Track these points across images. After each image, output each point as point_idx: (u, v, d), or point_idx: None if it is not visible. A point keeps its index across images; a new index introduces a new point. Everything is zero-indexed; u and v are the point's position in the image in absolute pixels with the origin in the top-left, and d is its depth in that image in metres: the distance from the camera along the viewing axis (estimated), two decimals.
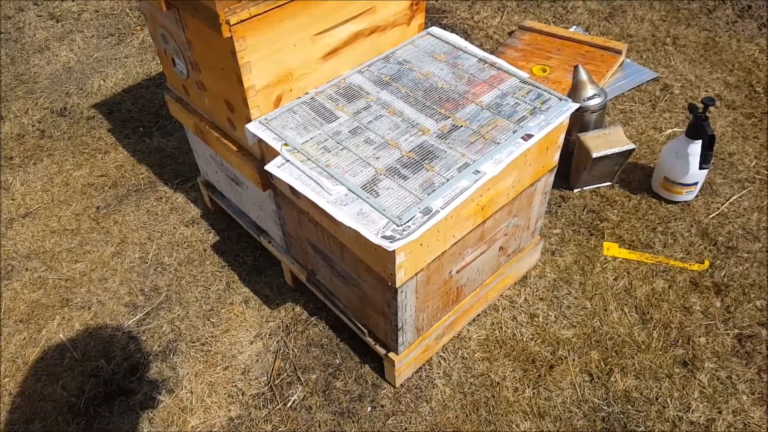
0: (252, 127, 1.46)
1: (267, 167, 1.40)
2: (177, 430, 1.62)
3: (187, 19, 1.45)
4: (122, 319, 1.88)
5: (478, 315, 1.82)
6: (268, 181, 1.60)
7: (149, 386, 1.71)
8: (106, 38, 3.11)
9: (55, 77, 2.88)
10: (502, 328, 1.79)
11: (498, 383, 1.67)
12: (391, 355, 1.59)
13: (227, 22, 1.26)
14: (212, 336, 1.82)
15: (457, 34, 2.65)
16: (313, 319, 1.85)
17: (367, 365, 1.73)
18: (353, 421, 1.61)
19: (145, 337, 1.83)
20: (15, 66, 2.97)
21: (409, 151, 1.39)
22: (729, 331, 1.75)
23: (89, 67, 2.93)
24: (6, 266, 2.06)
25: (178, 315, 1.88)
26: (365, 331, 1.64)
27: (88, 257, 2.07)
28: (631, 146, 2.00)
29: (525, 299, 1.86)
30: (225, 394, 1.69)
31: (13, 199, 2.30)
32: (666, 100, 2.50)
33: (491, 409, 1.62)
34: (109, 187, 2.32)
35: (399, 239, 1.20)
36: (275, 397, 1.68)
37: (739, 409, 1.59)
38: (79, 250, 2.10)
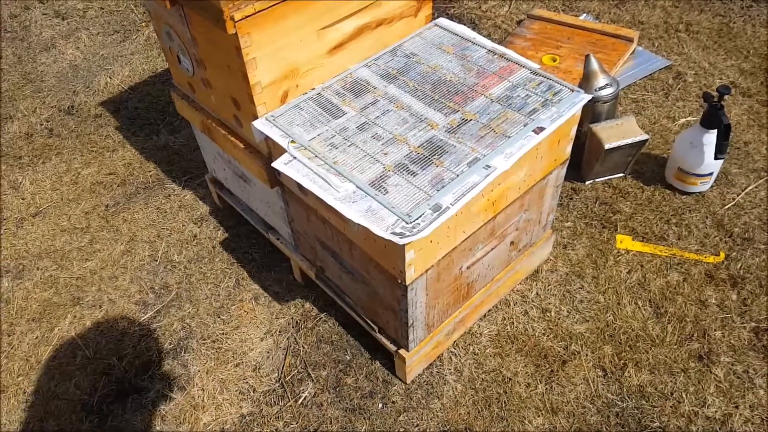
0: (258, 124, 1.45)
1: (274, 164, 1.39)
2: (189, 428, 1.62)
3: (192, 16, 1.43)
4: (133, 317, 1.89)
5: (489, 310, 1.80)
6: (276, 179, 1.58)
7: (161, 384, 1.72)
8: (111, 35, 3.11)
9: (61, 75, 2.88)
10: (513, 323, 1.77)
11: (510, 379, 1.65)
12: (402, 351, 1.58)
13: (232, 18, 1.24)
14: (223, 333, 1.82)
15: (465, 24, 2.62)
16: (322, 315, 1.84)
17: (377, 362, 1.72)
18: (364, 418, 1.61)
19: (156, 335, 1.83)
20: (22, 65, 2.97)
21: (418, 147, 1.37)
22: (745, 325, 1.72)
23: (95, 65, 2.93)
24: (17, 265, 2.06)
25: (189, 312, 1.88)
26: (375, 327, 1.63)
27: (99, 256, 2.07)
28: (644, 137, 1.97)
29: (537, 294, 1.84)
30: (236, 390, 1.69)
31: (23, 199, 2.31)
32: (679, 89, 2.46)
33: (503, 405, 1.60)
34: (118, 185, 2.32)
35: (409, 236, 1.18)
36: (286, 394, 1.67)
37: (757, 404, 1.56)
38: (90, 249, 2.10)
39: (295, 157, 1.38)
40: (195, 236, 2.10)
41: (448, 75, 1.54)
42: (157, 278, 1.99)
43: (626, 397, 1.60)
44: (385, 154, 1.36)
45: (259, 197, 1.82)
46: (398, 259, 1.27)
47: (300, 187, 1.45)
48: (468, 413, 1.60)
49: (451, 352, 1.72)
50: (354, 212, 1.25)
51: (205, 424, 1.63)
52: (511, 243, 1.66)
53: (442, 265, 1.42)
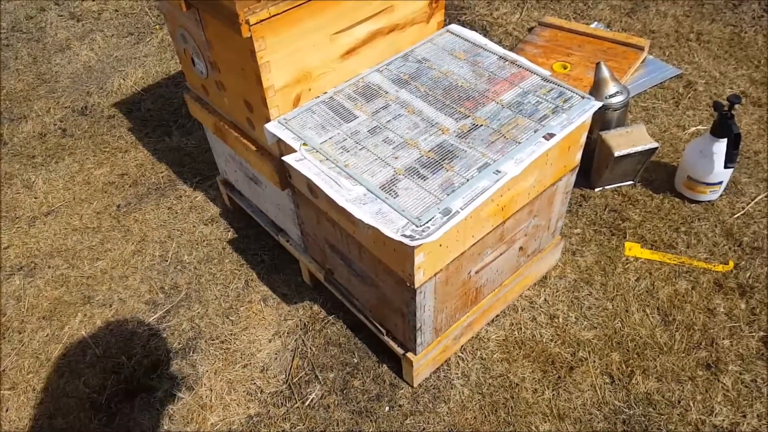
0: (271, 126, 1.47)
1: (285, 158, 1.40)
2: (197, 428, 1.63)
3: (207, 19, 1.45)
4: (143, 317, 1.90)
5: (497, 315, 1.80)
6: (287, 181, 1.60)
7: (169, 383, 1.73)
8: (125, 37, 3.14)
9: (76, 76, 2.92)
10: (521, 328, 1.77)
11: (517, 384, 1.65)
12: (409, 355, 1.59)
13: (247, 22, 1.26)
14: (231, 334, 1.83)
15: (476, 30, 2.62)
16: (331, 318, 1.85)
17: (384, 365, 1.72)
18: (371, 421, 1.61)
19: (165, 335, 1.85)
20: (37, 65, 3.01)
21: (429, 151, 1.38)
22: (754, 334, 1.71)
23: (109, 66, 2.96)
24: (29, 263, 2.09)
25: (198, 313, 1.90)
26: (383, 330, 1.64)
27: (109, 255, 2.09)
28: (654, 145, 1.97)
29: (545, 300, 1.84)
30: (244, 391, 1.70)
31: (35, 198, 2.33)
32: (689, 98, 2.46)
33: (510, 410, 1.60)
34: (130, 186, 2.34)
35: (419, 239, 1.19)
36: (293, 396, 1.68)
37: (764, 413, 1.55)
38: (101, 248, 2.12)
39: (306, 159, 1.39)
40: (205, 237, 2.12)
41: (459, 80, 1.55)
42: (167, 278, 2.00)
43: (633, 405, 1.59)
44: (396, 158, 1.37)
45: (270, 199, 1.84)
46: (407, 262, 1.28)
47: (310, 189, 1.46)
48: (475, 418, 1.60)
49: (459, 356, 1.72)
50: (364, 214, 1.25)
51: (212, 424, 1.64)
52: (520, 248, 1.67)
53: (451, 269, 1.42)
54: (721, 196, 2.06)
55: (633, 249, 1.95)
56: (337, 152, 1.39)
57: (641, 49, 2.57)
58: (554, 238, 1.83)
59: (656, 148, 1.98)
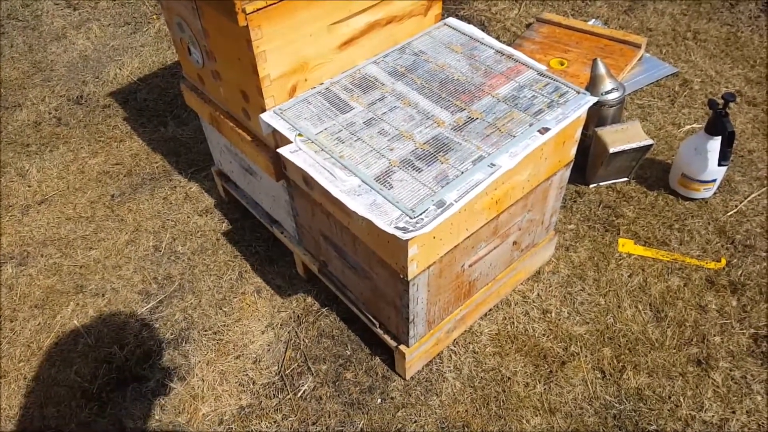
0: (266, 117, 1.46)
1: (280, 150, 1.40)
2: (188, 418, 1.63)
3: (204, 7, 1.45)
4: (135, 307, 1.90)
5: (490, 309, 1.81)
6: (282, 172, 1.59)
7: (161, 373, 1.73)
8: (122, 27, 3.13)
9: (71, 65, 2.90)
10: (514, 323, 1.78)
11: (509, 378, 1.66)
12: (402, 347, 1.59)
13: (243, 11, 1.26)
14: (224, 325, 1.83)
15: (474, 25, 2.63)
16: (324, 310, 1.85)
17: (377, 357, 1.72)
18: (363, 413, 1.62)
19: (157, 325, 1.84)
20: (32, 54, 2.99)
21: (424, 143, 1.38)
22: (744, 331, 1.72)
23: (105, 56, 2.94)
24: (22, 252, 2.08)
25: (191, 303, 1.89)
26: (376, 323, 1.64)
27: (103, 245, 2.09)
28: (649, 142, 1.98)
29: (538, 295, 1.84)
30: (236, 382, 1.70)
31: (29, 186, 2.32)
32: (685, 96, 2.46)
33: (501, 403, 1.61)
34: (124, 176, 2.33)
35: (412, 231, 1.19)
36: (286, 387, 1.68)
37: (754, 410, 1.57)
38: (94, 238, 2.11)
39: (301, 150, 1.39)
40: (199, 228, 2.11)
41: (455, 74, 1.55)
42: (161, 269, 2.00)
43: (624, 400, 1.60)
44: (391, 149, 1.37)
45: (265, 190, 1.83)
46: (401, 254, 1.28)
47: (305, 180, 1.46)
48: (466, 411, 1.60)
49: (451, 349, 1.72)
50: (359, 205, 1.25)
51: (204, 414, 1.64)
52: (514, 243, 1.67)
53: (445, 262, 1.43)
54: (714, 194, 2.07)
55: (626, 245, 1.96)
56: (332, 143, 1.39)
57: (638, 46, 2.58)
58: (548, 234, 1.83)
59: (651, 145, 1.98)
